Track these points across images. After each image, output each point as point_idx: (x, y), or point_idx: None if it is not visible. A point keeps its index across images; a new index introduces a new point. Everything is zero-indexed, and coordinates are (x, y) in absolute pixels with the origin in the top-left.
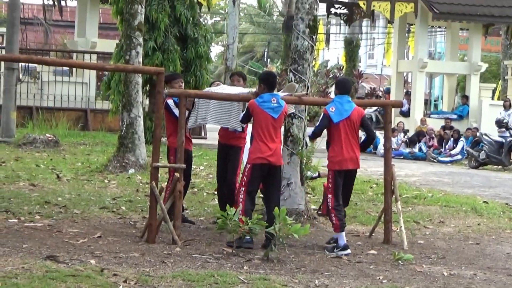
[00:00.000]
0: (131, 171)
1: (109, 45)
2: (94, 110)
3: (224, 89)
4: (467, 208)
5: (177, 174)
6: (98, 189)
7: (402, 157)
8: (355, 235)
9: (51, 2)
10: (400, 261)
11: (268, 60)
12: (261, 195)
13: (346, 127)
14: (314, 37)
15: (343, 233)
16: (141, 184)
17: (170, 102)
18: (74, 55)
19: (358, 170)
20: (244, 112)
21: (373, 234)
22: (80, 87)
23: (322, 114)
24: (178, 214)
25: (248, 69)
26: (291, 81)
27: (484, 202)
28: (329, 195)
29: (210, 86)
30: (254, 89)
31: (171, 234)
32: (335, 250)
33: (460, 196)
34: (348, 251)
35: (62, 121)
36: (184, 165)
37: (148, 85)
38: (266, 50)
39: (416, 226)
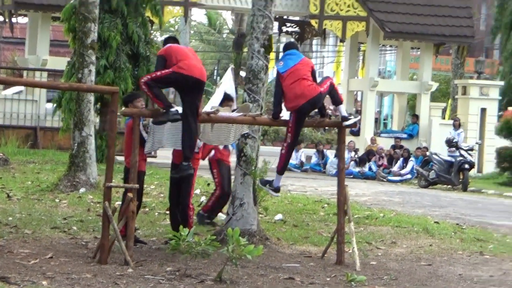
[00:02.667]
0: (82, 190)
1: (60, 63)
2: (44, 128)
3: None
4: (419, 229)
5: (130, 194)
6: (49, 209)
7: (352, 176)
8: (307, 256)
9: (1, 19)
10: (353, 283)
11: (218, 78)
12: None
13: (295, 73)
14: (268, 56)
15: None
16: (92, 204)
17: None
18: (25, 72)
19: (308, 190)
20: None
21: (325, 255)
22: (30, 104)
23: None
24: (130, 234)
25: None
26: (246, 100)
27: (435, 222)
28: (289, 134)
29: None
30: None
31: (124, 255)
32: (267, 186)
33: (411, 216)
34: (278, 194)
35: (11, 139)
36: (137, 185)
37: (99, 103)
38: (216, 68)
39: (368, 247)
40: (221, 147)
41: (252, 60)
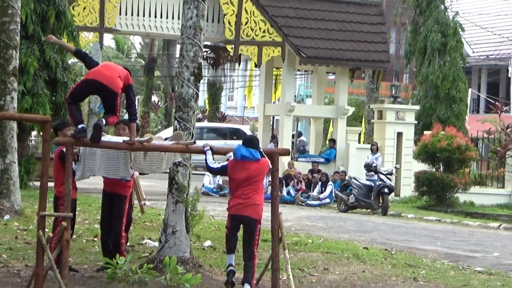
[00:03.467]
0: (7, 217)
1: None
2: None
3: (110, 139)
4: (349, 255)
5: (64, 223)
6: None
7: (270, 200)
8: (241, 283)
9: None
10: None
11: None
12: None
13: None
14: (198, 84)
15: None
16: (18, 231)
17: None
18: None
19: None
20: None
21: (259, 282)
22: None
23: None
24: (65, 263)
25: None
26: (176, 129)
27: (364, 248)
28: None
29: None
30: (140, 138)
31: (59, 283)
32: None
33: (340, 242)
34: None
35: None
36: (71, 214)
37: (18, 129)
38: None
39: (301, 274)
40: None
41: (182, 88)
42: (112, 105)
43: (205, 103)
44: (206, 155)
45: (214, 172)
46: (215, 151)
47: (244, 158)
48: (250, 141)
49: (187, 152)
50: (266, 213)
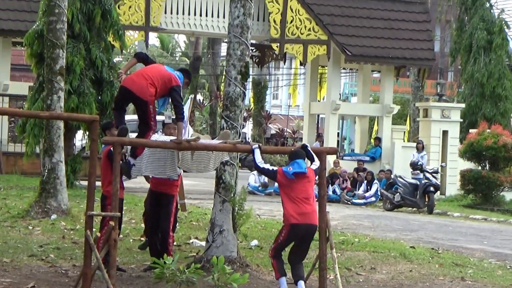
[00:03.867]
0: (54, 216)
1: (20, 88)
2: (7, 153)
3: (158, 138)
4: (396, 254)
5: (112, 223)
6: (23, 236)
7: (316, 199)
8: (289, 283)
9: None
10: None
11: None
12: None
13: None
14: (245, 83)
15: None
16: (66, 231)
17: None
18: None
19: (276, 214)
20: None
21: (307, 282)
22: None
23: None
24: (113, 263)
25: None
26: (223, 128)
27: (411, 247)
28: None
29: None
30: (188, 137)
31: (106, 283)
32: None
33: (386, 241)
34: None
35: None
36: (119, 214)
37: (64, 129)
38: None
39: (349, 273)
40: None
41: (229, 87)
42: (143, 114)
43: (250, 101)
44: (254, 154)
45: (262, 172)
46: (262, 150)
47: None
48: (296, 154)
49: (234, 151)
50: None
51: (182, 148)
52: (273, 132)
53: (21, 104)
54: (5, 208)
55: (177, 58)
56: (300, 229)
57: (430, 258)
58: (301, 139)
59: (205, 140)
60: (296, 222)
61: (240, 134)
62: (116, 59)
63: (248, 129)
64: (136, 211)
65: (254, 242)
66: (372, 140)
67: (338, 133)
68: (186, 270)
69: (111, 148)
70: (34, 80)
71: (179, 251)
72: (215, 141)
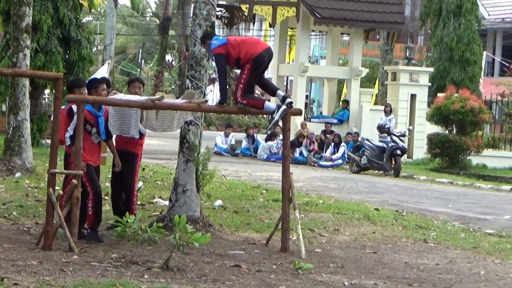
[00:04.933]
0: (18, 175)
1: None
2: None
3: (122, 97)
4: (360, 216)
5: (74, 181)
6: None
7: (281, 160)
8: (251, 243)
9: None
10: (300, 271)
11: (142, 61)
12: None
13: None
14: None
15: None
16: (29, 189)
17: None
18: None
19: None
20: None
21: (269, 242)
22: None
23: None
24: (75, 221)
25: (121, 69)
26: (188, 88)
27: (375, 209)
28: (240, 85)
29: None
30: (152, 96)
31: (68, 241)
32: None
33: (351, 203)
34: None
35: None
36: (81, 172)
37: (30, 87)
38: (140, 51)
39: (312, 234)
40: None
41: (195, 47)
42: None
43: None
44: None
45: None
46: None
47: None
48: None
49: (199, 111)
50: (277, 173)
51: (146, 107)
52: None
53: None
54: None
55: (147, 19)
56: (264, 56)
57: (394, 221)
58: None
59: (170, 99)
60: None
61: (205, 94)
62: (85, 19)
63: (216, 90)
64: (101, 170)
65: (218, 202)
66: (340, 103)
67: (306, 95)
68: (148, 229)
69: (72, 106)
70: (1, 38)
71: (143, 210)
72: (179, 101)
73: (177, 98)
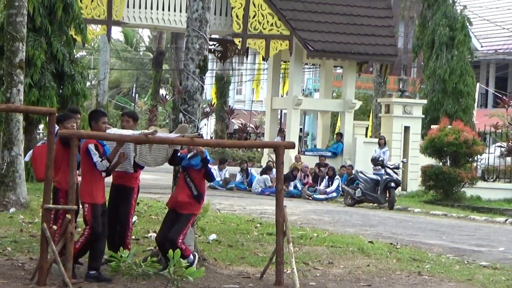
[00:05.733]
0: (12, 210)
1: None
2: None
3: (116, 132)
4: (354, 248)
5: (68, 216)
6: None
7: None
8: (245, 277)
9: None
10: None
11: (137, 95)
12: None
13: None
14: (204, 77)
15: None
16: (24, 224)
17: (91, 146)
18: None
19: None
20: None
21: (264, 276)
22: None
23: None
24: (69, 256)
25: (115, 104)
26: (181, 121)
27: (369, 242)
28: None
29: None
30: (145, 130)
31: (62, 277)
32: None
33: (345, 236)
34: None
35: None
36: (75, 207)
37: (24, 122)
38: (134, 85)
39: (306, 267)
40: None
41: (188, 81)
42: None
43: (211, 96)
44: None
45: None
46: (221, 144)
47: None
48: None
49: (192, 145)
50: (271, 207)
51: (140, 141)
52: (236, 127)
53: None
54: None
55: (141, 53)
56: None
57: (388, 253)
58: (263, 134)
59: (163, 133)
60: None
61: (198, 128)
62: (78, 54)
63: (211, 124)
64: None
65: (212, 236)
66: (334, 136)
67: (300, 128)
68: (142, 264)
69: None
70: None
71: (137, 245)
72: (173, 135)
73: (170, 132)
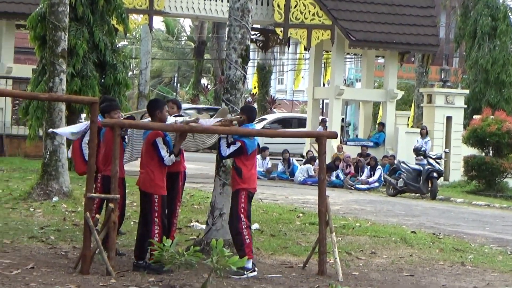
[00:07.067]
0: (55, 199)
1: (24, 70)
2: (10, 135)
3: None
4: (397, 238)
5: (111, 205)
6: (24, 218)
7: (317, 183)
8: (288, 266)
9: None
10: None
11: (178, 85)
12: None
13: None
14: (246, 66)
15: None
16: (67, 213)
17: (160, 140)
18: None
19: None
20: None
21: (306, 265)
22: None
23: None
24: (112, 245)
25: (157, 93)
26: None
27: (412, 232)
28: (241, 215)
29: (141, 118)
30: (188, 118)
31: (106, 265)
32: (245, 273)
33: (387, 226)
34: (255, 273)
35: None
36: (118, 196)
37: (67, 111)
38: (176, 75)
39: (349, 257)
40: None
41: (230, 70)
42: None
43: (251, 86)
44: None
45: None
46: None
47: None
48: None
49: (235, 134)
50: (313, 196)
51: (181, 130)
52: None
53: (25, 87)
54: (7, 190)
55: (182, 43)
56: None
57: (431, 243)
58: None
59: (204, 120)
60: None
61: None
62: (120, 43)
63: None
64: (138, 194)
65: (255, 226)
66: (376, 126)
67: (342, 118)
68: (185, 253)
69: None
70: (37, 63)
71: (180, 234)
72: (213, 120)
73: (211, 117)
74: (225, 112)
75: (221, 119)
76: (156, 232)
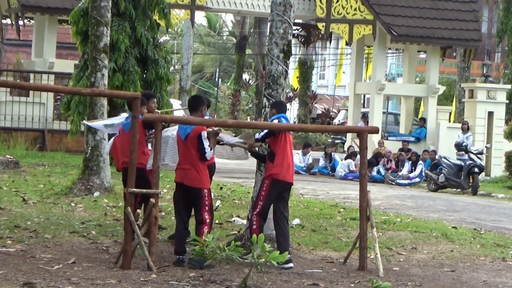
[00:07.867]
0: (97, 194)
1: (66, 66)
2: (52, 130)
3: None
4: (438, 234)
5: (152, 200)
6: (66, 213)
7: (358, 179)
8: (329, 262)
9: (8, 22)
10: None
11: (220, 80)
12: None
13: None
14: (288, 61)
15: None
16: (108, 208)
17: (204, 134)
18: (31, 75)
19: (319, 193)
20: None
21: (347, 261)
22: (38, 107)
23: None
24: (153, 240)
25: (198, 88)
26: (265, 106)
27: (453, 227)
28: (260, 202)
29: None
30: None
31: (147, 260)
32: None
33: (428, 221)
34: (291, 264)
35: (20, 141)
36: (159, 191)
37: (108, 107)
38: (217, 70)
39: (389, 253)
40: None
41: (272, 65)
42: None
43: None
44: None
45: (264, 138)
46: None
47: None
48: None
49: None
50: (354, 192)
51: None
52: (319, 112)
53: (67, 82)
54: (49, 185)
55: (224, 38)
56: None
57: (472, 239)
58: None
59: (227, 136)
60: None
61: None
62: (162, 38)
63: (294, 109)
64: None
65: (296, 221)
66: (417, 121)
67: (384, 113)
68: (226, 248)
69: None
70: (79, 58)
71: (221, 229)
72: (236, 139)
73: (235, 136)
74: (249, 136)
75: (244, 141)
76: (205, 229)
